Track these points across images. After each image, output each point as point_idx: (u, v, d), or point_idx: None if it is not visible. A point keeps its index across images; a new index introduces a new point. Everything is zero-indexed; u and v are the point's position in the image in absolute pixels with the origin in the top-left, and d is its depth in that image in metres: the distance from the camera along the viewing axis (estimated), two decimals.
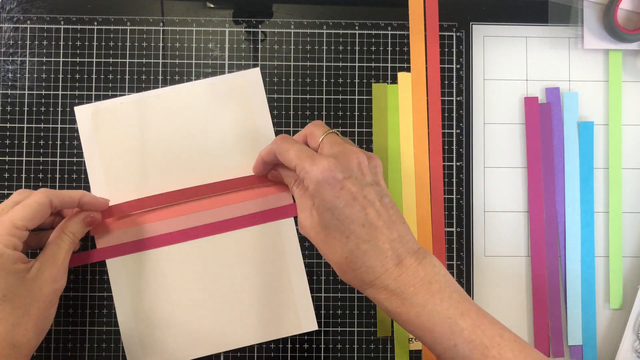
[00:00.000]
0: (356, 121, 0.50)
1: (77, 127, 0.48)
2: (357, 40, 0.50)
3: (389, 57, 0.50)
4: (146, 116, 0.48)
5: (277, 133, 0.49)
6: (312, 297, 0.48)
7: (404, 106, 0.50)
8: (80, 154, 0.48)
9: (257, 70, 0.49)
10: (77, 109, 0.48)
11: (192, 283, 0.48)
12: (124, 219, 0.47)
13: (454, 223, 0.49)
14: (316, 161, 0.39)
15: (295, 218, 0.48)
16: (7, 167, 0.48)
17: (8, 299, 0.39)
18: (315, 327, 0.48)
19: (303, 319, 0.48)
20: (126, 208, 0.47)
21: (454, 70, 0.50)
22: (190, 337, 0.47)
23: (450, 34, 0.50)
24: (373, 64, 0.50)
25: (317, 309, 0.48)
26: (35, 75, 0.49)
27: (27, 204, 0.41)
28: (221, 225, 0.48)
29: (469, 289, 0.49)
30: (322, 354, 0.48)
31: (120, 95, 0.49)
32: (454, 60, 0.50)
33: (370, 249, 0.38)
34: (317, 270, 0.48)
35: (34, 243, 0.45)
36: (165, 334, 0.47)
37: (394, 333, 0.48)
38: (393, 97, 0.50)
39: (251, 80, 0.49)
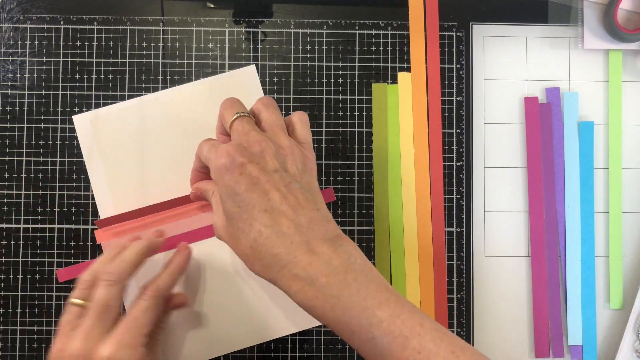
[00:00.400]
0: (356, 121, 0.50)
1: (76, 135, 0.48)
2: (357, 40, 0.50)
3: (389, 57, 0.50)
4: (145, 120, 0.48)
5: None
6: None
7: (404, 106, 0.50)
8: (80, 154, 0.48)
9: (252, 66, 0.49)
10: (75, 117, 0.48)
11: (194, 286, 0.47)
12: (129, 226, 0.47)
13: (454, 223, 0.49)
14: (218, 149, 0.37)
15: None
16: (7, 167, 0.48)
17: None
18: (314, 323, 0.48)
19: (299, 316, 0.47)
20: (132, 215, 0.47)
21: (454, 70, 0.50)
22: (192, 340, 0.47)
23: (450, 34, 0.50)
24: (373, 64, 0.50)
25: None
26: (35, 75, 0.49)
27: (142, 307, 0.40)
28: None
29: (469, 289, 0.49)
30: (322, 354, 0.48)
31: (120, 95, 0.49)
32: (454, 60, 0.50)
33: (273, 234, 0.35)
34: None
35: None
36: (170, 338, 0.47)
37: None
38: (393, 97, 0.50)
39: (247, 76, 0.49)
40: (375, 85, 0.50)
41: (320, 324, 0.48)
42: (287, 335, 0.48)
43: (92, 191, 0.48)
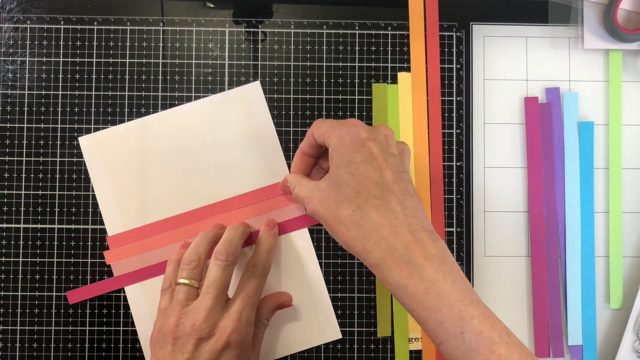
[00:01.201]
0: None
1: (81, 156, 0.48)
2: (357, 40, 0.50)
3: (389, 57, 0.50)
4: (151, 140, 0.48)
5: (279, 135, 0.49)
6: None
7: (404, 106, 0.50)
8: (80, 154, 0.48)
9: (257, 83, 0.49)
10: (81, 139, 0.48)
11: None
12: (139, 245, 0.47)
13: (454, 223, 0.49)
14: (344, 122, 0.39)
15: (309, 229, 0.48)
16: (7, 167, 0.48)
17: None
18: (339, 335, 0.48)
19: (326, 328, 0.48)
20: (141, 233, 0.47)
21: (454, 70, 0.50)
22: None
23: (450, 34, 0.50)
24: (373, 64, 0.50)
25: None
26: (35, 75, 0.49)
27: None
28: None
29: None
30: (322, 354, 0.48)
31: (120, 95, 0.49)
32: (454, 60, 0.50)
33: (381, 204, 0.36)
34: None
35: None
36: None
37: (394, 333, 0.48)
38: (393, 97, 0.50)
39: (252, 93, 0.49)
40: (375, 85, 0.50)
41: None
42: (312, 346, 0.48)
43: (101, 210, 0.48)
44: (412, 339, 0.48)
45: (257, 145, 0.48)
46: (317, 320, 0.47)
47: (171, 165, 0.48)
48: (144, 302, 0.47)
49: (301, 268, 0.48)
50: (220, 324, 0.39)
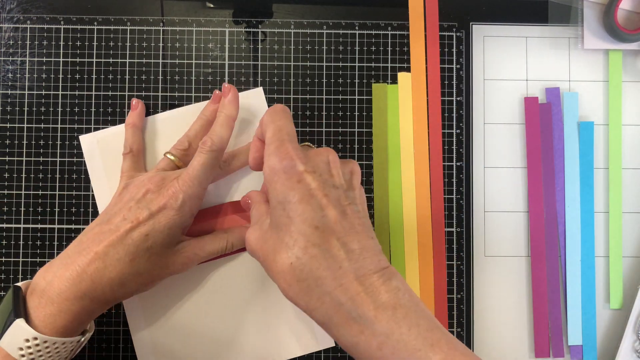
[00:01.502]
0: (356, 121, 0.50)
1: (81, 156, 0.48)
2: (357, 40, 0.50)
3: (389, 57, 0.50)
4: (152, 140, 0.48)
5: None
6: None
7: (404, 106, 0.50)
8: (80, 154, 0.48)
9: (260, 90, 0.49)
10: (82, 138, 0.48)
11: (201, 303, 0.47)
12: None
13: (454, 223, 0.49)
14: (281, 148, 0.34)
15: None
16: (7, 167, 0.48)
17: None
18: (332, 343, 0.48)
19: (319, 336, 0.47)
20: None
21: (454, 70, 0.50)
22: (199, 352, 0.47)
23: (450, 34, 0.50)
24: (373, 64, 0.50)
25: None
26: (35, 75, 0.49)
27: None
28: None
29: (469, 289, 0.49)
30: (314, 354, 0.48)
31: (120, 95, 0.49)
32: (454, 60, 0.50)
33: (320, 254, 0.32)
34: None
35: None
36: (182, 344, 0.47)
37: None
38: (393, 97, 0.50)
39: (254, 99, 0.49)
40: (375, 85, 0.50)
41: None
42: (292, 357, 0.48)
43: (98, 209, 0.48)
44: None
45: None
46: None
47: None
48: (138, 303, 0.47)
49: None
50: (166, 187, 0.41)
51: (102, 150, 0.48)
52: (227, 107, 0.45)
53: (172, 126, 0.48)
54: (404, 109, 0.50)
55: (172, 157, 0.44)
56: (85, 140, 0.48)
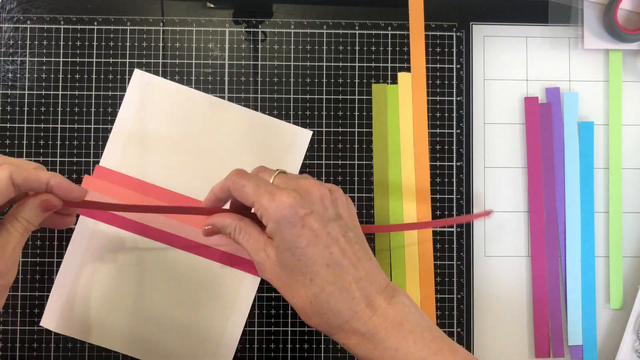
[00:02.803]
0: (356, 121, 0.50)
1: (81, 155, 0.48)
2: (357, 40, 0.50)
3: (389, 57, 0.50)
4: (190, 115, 0.48)
5: None
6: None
7: (404, 106, 0.50)
8: (80, 154, 0.48)
9: (310, 133, 0.49)
10: (137, 70, 0.48)
11: (140, 288, 0.47)
12: (119, 190, 0.47)
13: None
14: (275, 197, 0.36)
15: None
16: None
17: None
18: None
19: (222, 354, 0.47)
20: (128, 183, 0.47)
21: (454, 70, 0.50)
22: (119, 337, 0.47)
23: (450, 33, 0.50)
24: (373, 64, 0.50)
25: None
26: (35, 75, 0.49)
27: None
28: (193, 245, 0.47)
29: (469, 289, 0.49)
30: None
31: (120, 95, 0.49)
32: (454, 60, 0.50)
33: (336, 291, 0.36)
34: None
35: None
36: (152, 332, 0.47)
37: None
38: (393, 97, 0.50)
39: (301, 138, 0.49)
40: (375, 85, 0.50)
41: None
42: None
43: (106, 144, 0.48)
44: None
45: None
46: (216, 345, 0.47)
47: (196, 149, 0.48)
48: (86, 242, 0.47)
49: (231, 302, 0.47)
50: None
51: (145, 92, 0.48)
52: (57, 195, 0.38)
53: (214, 114, 0.48)
54: (404, 109, 0.50)
55: None
56: (138, 75, 0.48)
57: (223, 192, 0.40)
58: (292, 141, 0.49)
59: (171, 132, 0.48)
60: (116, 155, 0.48)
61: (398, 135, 0.49)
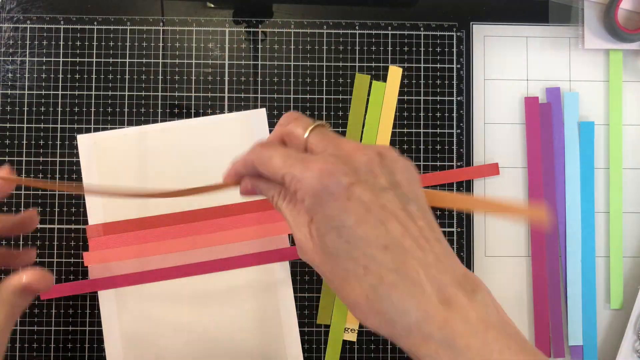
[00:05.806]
0: None
1: (76, 151, 0.48)
2: (357, 40, 0.50)
3: (389, 57, 0.50)
4: (148, 150, 0.48)
5: None
6: (312, 296, 0.48)
7: (389, 100, 0.49)
8: (79, 154, 0.48)
9: (263, 110, 0.49)
10: (80, 137, 0.48)
11: (184, 321, 0.47)
12: (119, 251, 0.47)
13: (454, 223, 0.49)
14: (310, 165, 0.28)
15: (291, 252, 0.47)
16: None
17: None
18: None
19: None
20: (121, 239, 0.47)
21: (454, 70, 0.50)
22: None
23: (450, 33, 0.50)
24: (373, 64, 0.50)
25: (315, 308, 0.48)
26: (35, 75, 0.49)
27: None
28: (216, 264, 0.47)
29: None
30: (322, 356, 0.48)
31: (120, 95, 0.49)
32: (454, 60, 0.50)
33: (400, 282, 0.27)
34: None
35: None
36: (154, 335, 0.47)
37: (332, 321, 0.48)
38: (378, 90, 0.49)
39: (256, 119, 0.49)
40: (358, 75, 0.49)
41: None
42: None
43: (87, 211, 0.48)
44: (347, 329, 0.48)
45: None
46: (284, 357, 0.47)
47: (165, 178, 0.48)
48: (115, 311, 0.47)
49: (274, 299, 0.47)
50: None
51: (99, 152, 0.48)
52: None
53: (169, 138, 0.48)
54: (387, 103, 0.49)
55: None
56: (83, 140, 0.48)
57: (246, 168, 0.33)
58: (252, 123, 0.48)
59: (143, 175, 0.48)
60: (100, 211, 0.47)
61: (376, 130, 0.49)
